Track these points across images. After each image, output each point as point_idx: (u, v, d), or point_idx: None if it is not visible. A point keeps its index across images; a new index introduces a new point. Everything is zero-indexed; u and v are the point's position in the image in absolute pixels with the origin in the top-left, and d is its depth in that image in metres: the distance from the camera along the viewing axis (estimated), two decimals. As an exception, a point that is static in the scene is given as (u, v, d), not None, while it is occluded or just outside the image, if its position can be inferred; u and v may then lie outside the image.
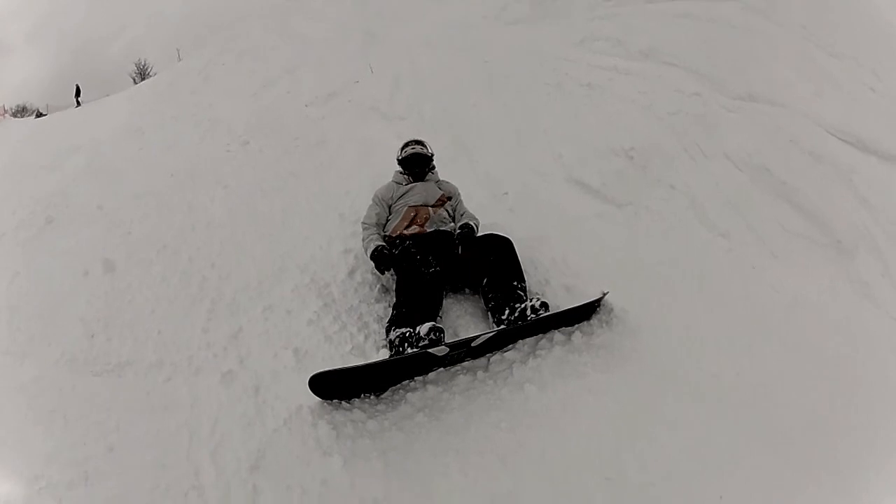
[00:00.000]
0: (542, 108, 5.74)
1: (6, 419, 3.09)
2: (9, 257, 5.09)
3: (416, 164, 4.00)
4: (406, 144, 4.13)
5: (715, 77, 5.74)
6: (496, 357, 3.01)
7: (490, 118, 5.81)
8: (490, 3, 7.91)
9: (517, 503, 2.32)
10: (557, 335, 3.14)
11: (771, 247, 4.34)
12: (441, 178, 4.12)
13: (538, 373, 2.92)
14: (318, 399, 2.72)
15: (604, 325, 3.31)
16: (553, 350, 3.06)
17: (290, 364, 3.05)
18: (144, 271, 4.23)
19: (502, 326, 3.12)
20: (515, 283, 3.27)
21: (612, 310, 3.37)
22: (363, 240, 3.78)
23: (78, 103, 22.78)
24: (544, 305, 3.12)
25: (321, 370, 2.68)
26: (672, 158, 5.02)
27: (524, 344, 3.09)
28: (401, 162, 4.06)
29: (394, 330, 3.03)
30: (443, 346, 2.85)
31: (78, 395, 3.15)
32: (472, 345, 2.94)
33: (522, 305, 3.13)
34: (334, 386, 2.70)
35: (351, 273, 3.86)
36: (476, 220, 3.88)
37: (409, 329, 2.96)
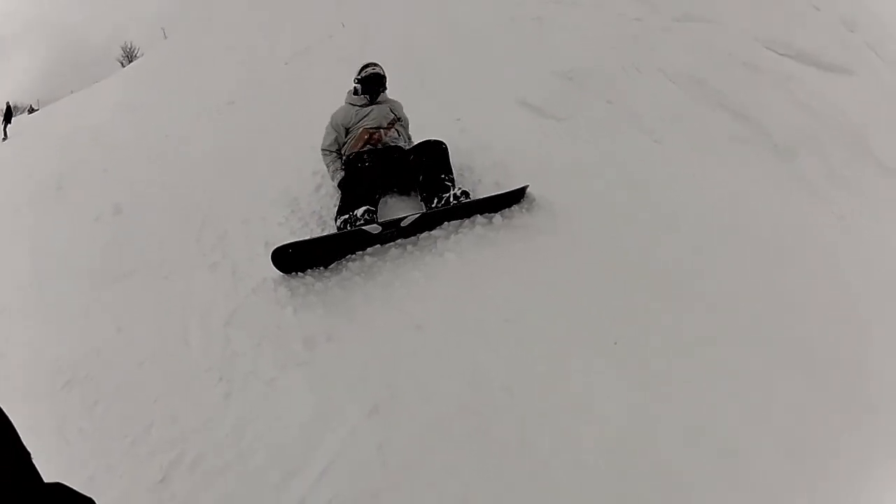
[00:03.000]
0: (495, 42, 6.23)
1: (35, 323, 3.81)
2: (28, 218, 5.83)
3: (375, 83, 4.35)
4: (364, 66, 4.44)
5: (655, 1, 6.15)
6: (424, 235, 3.62)
7: (449, 55, 6.32)
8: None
9: (422, 331, 2.90)
10: (480, 218, 3.70)
11: (707, 150, 4.60)
12: (389, 98, 4.50)
13: (458, 244, 3.50)
14: (280, 273, 3.38)
15: (524, 210, 3.81)
16: (475, 229, 3.63)
17: (261, 252, 3.66)
18: (147, 208, 4.93)
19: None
20: (443, 177, 3.85)
21: (534, 199, 3.86)
22: (327, 166, 4.36)
23: (5, 134, 17.58)
24: (465, 193, 3.72)
25: (279, 244, 3.33)
26: (609, 77, 5.43)
27: (449, 225, 3.67)
28: (361, 81, 4.38)
29: (339, 217, 3.68)
30: (375, 225, 3.47)
31: (94, 300, 3.83)
32: (402, 225, 3.53)
33: (448, 195, 3.72)
34: (291, 258, 3.34)
35: (317, 189, 4.49)
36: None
37: (349, 213, 3.60)
